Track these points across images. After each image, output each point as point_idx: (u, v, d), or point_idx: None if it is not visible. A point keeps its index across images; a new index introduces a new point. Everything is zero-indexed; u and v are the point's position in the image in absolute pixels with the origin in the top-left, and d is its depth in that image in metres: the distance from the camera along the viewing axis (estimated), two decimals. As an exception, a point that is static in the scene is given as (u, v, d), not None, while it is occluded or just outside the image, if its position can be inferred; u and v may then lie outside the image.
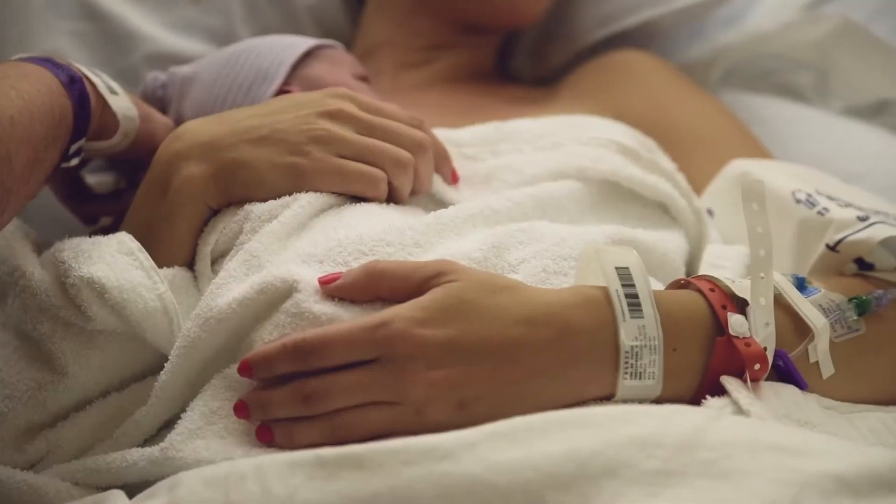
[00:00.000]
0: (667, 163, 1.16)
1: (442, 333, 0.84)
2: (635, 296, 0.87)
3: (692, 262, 1.12)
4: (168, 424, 0.94)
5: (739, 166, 1.16)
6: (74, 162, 1.03)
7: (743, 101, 1.40)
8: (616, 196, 1.11)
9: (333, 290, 0.90)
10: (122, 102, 1.06)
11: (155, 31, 1.39)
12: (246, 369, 0.88)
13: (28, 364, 0.95)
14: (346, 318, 0.88)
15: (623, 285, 0.88)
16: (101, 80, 1.04)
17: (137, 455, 0.89)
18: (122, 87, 1.09)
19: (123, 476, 0.90)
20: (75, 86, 0.99)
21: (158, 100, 1.19)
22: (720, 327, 0.89)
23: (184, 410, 0.91)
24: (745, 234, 0.94)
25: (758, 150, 1.25)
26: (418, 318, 0.85)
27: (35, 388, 0.95)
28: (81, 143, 1.02)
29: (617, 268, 0.88)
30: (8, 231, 1.00)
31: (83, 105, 0.99)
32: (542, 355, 0.85)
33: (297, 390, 0.86)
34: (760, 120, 1.36)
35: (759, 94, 1.42)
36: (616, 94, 1.29)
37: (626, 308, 0.87)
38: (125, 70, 1.37)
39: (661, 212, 1.13)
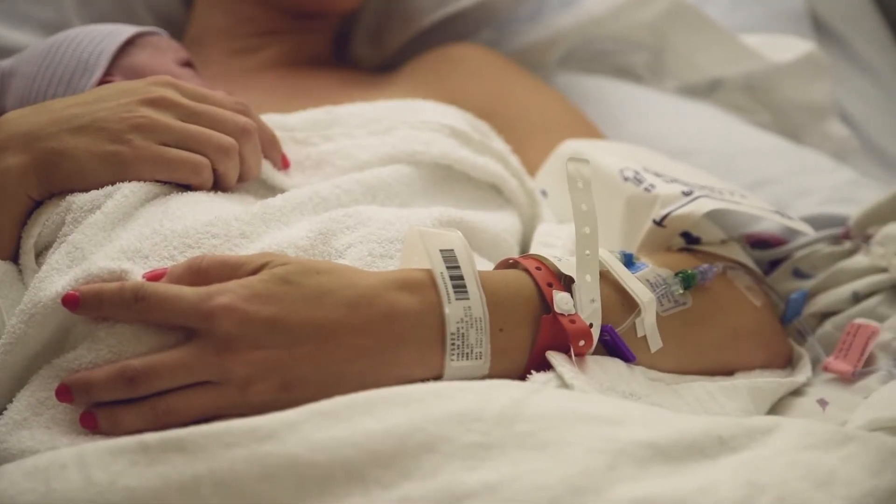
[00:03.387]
0: (499, 144, 1.18)
1: (265, 311, 0.84)
2: (460, 277, 0.88)
3: (527, 243, 1.13)
4: None
5: (570, 147, 1.17)
6: None
7: (580, 82, 1.43)
8: (449, 179, 1.12)
9: None
10: None
11: None
12: (73, 300, 0.87)
13: None
14: None
15: (448, 267, 0.88)
16: None
17: None
18: None
19: None
20: None
21: None
22: (547, 305, 0.91)
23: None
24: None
25: (589, 132, 1.27)
26: (244, 295, 0.85)
27: None
28: None
29: (441, 250, 0.89)
30: None
31: None
32: (366, 337, 0.86)
33: (120, 372, 0.85)
34: (597, 101, 1.38)
35: (595, 76, 1.44)
36: (451, 84, 1.30)
37: (451, 290, 0.87)
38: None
39: (494, 193, 1.14)
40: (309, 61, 1.37)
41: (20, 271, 0.98)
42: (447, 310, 0.87)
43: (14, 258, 0.99)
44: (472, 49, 1.38)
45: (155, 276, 0.89)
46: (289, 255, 0.91)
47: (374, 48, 1.48)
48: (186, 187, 1.01)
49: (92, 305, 0.87)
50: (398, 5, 1.45)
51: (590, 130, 1.27)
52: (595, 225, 0.94)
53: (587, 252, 0.93)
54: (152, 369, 0.85)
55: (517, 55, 1.43)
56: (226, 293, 0.85)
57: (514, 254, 1.09)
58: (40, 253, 0.98)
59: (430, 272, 0.88)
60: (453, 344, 0.87)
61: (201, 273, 0.89)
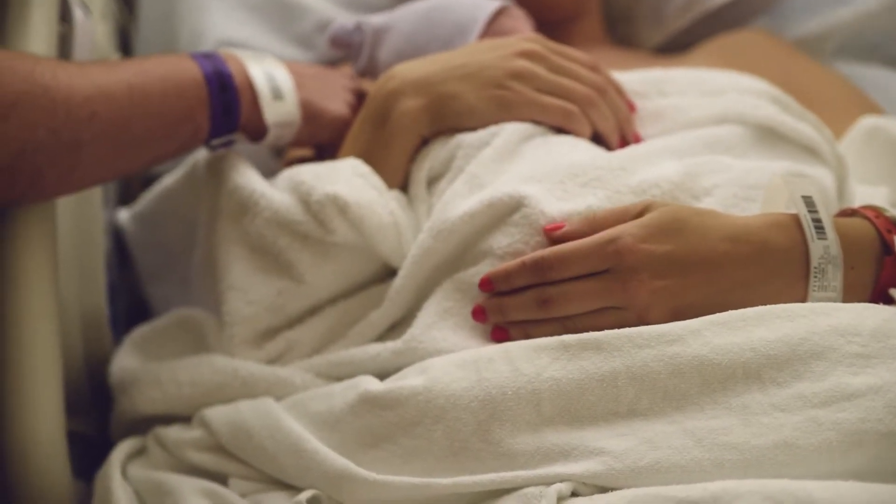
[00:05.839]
0: (810, 114, 1.28)
1: (662, 248, 0.96)
2: (819, 220, 0.99)
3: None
4: (391, 328, 1.06)
5: (871, 121, 1.28)
6: (219, 151, 1.13)
7: (857, 71, 1.52)
8: (771, 139, 1.20)
9: (559, 236, 1.01)
10: (282, 109, 1.13)
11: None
12: (486, 284, 1.00)
13: (267, 274, 1.07)
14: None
15: (809, 211, 0.99)
16: (269, 84, 1.11)
17: (380, 347, 1.01)
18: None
19: (364, 367, 1.02)
20: (219, 81, 1.08)
21: (347, 45, 1.30)
22: (887, 248, 1.01)
23: (408, 314, 1.04)
24: (875, 178, 1.11)
25: (876, 111, 1.36)
26: (641, 235, 0.96)
27: (275, 294, 1.07)
28: (229, 137, 1.11)
29: (803, 196, 1.00)
30: (239, 163, 1.12)
31: (227, 103, 1.09)
32: (745, 269, 0.97)
33: (535, 296, 0.98)
34: (873, 89, 1.47)
35: (870, 66, 1.54)
36: (743, 65, 1.40)
37: (813, 231, 0.98)
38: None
39: (809, 155, 1.23)
40: (585, 42, 1.48)
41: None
42: (812, 247, 0.98)
43: (402, 188, 1.12)
44: (760, 34, 1.48)
45: (554, 227, 1.01)
46: (663, 202, 1.01)
47: (655, 29, 1.57)
48: (557, 131, 1.13)
49: (504, 283, 1.00)
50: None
51: (877, 109, 1.37)
52: None
53: (923, 205, 1.04)
54: (565, 295, 0.97)
55: (794, 43, 1.53)
56: (626, 235, 0.96)
57: (835, 207, 1.19)
58: (430, 183, 1.11)
59: (793, 215, 0.99)
60: (815, 278, 0.97)
61: (596, 223, 1.00)
